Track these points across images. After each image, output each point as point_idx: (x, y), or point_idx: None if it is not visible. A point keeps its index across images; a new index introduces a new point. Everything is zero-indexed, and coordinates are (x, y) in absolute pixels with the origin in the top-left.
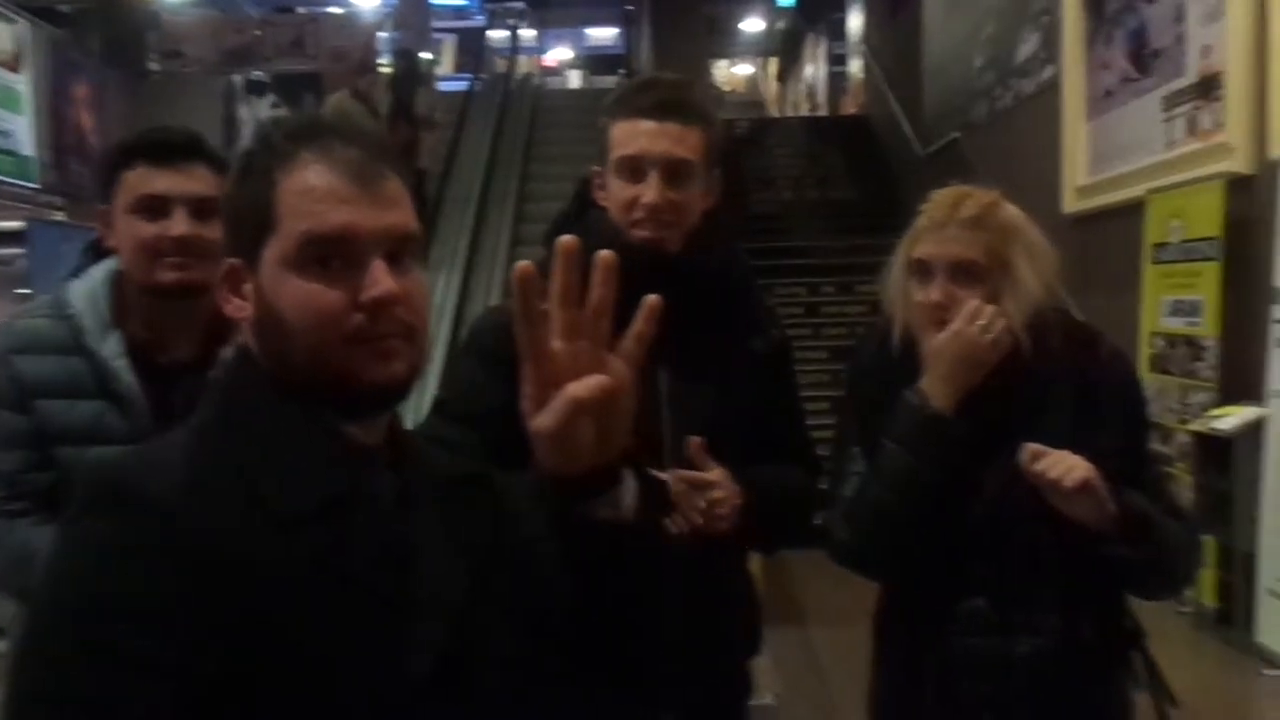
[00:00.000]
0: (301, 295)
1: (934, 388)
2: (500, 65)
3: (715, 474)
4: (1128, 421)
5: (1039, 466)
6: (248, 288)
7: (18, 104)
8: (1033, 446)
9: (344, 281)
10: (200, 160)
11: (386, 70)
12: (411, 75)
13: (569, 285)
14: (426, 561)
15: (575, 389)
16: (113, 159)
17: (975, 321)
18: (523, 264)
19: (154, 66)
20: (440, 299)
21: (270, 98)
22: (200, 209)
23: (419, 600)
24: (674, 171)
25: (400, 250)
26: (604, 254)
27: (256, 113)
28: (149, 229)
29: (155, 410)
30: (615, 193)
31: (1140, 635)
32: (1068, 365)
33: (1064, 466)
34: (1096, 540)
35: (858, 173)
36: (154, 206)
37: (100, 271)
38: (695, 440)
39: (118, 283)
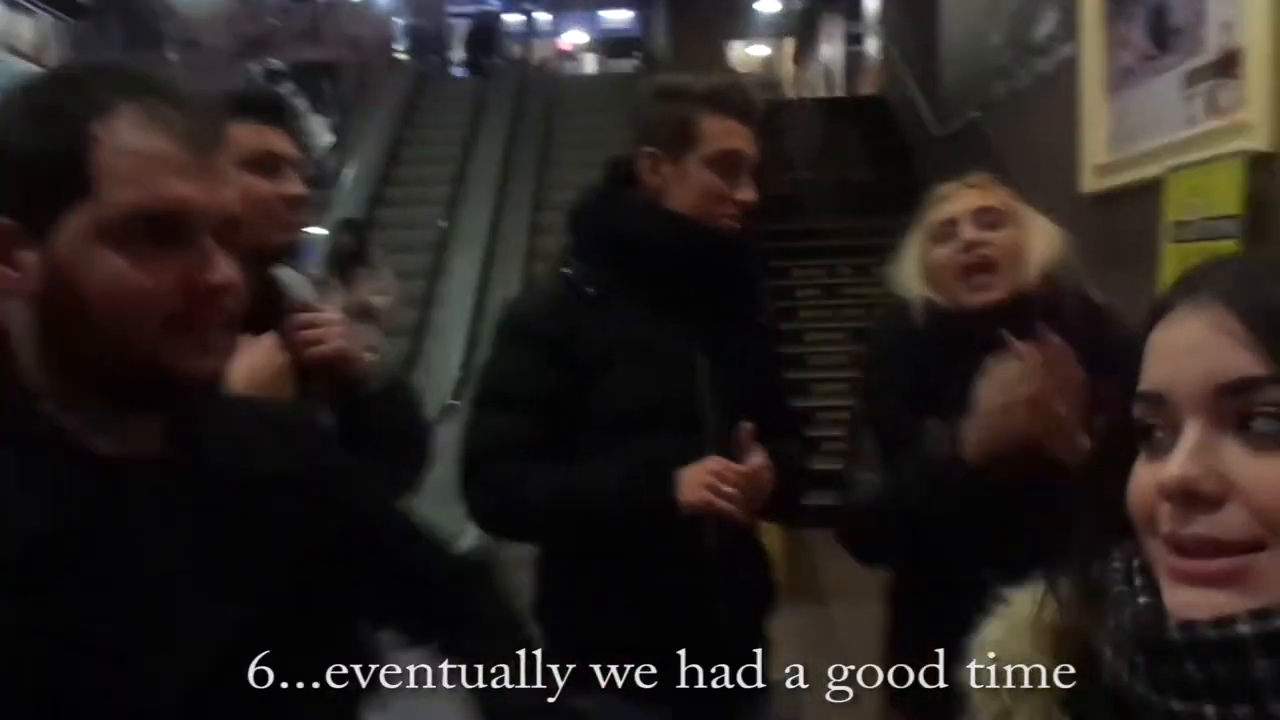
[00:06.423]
0: (118, 273)
1: (971, 436)
2: (515, 50)
3: (759, 460)
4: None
5: None
6: (26, 255)
7: None
8: None
9: (169, 261)
10: None
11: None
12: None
13: None
14: (179, 598)
15: None
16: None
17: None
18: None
19: (172, 56)
20: (459, 286)
21: (287, 86)
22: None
23: (157, 646)
24: (756, 171)
25: (225, 232)
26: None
27: None
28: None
29: None
30: (702, 182)
31: None
32: (1082, 335)
33: None
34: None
35: (875, 153)
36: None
37: None
38: (747, 427)
39: None
